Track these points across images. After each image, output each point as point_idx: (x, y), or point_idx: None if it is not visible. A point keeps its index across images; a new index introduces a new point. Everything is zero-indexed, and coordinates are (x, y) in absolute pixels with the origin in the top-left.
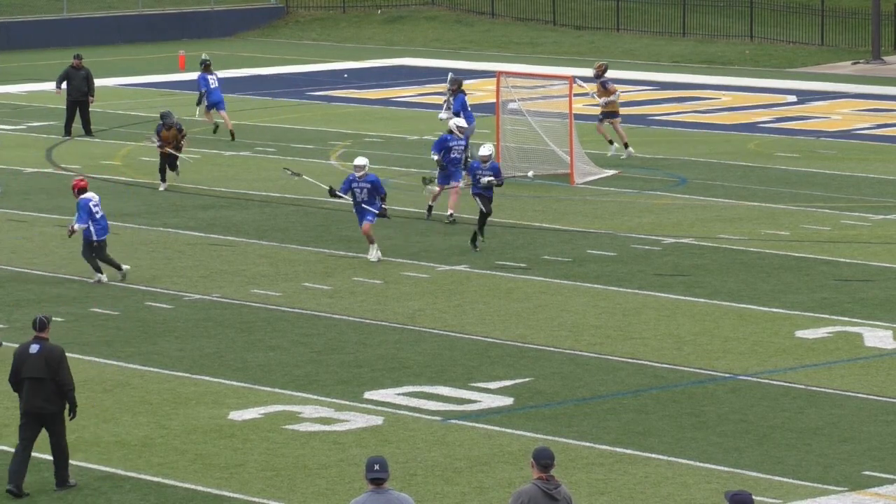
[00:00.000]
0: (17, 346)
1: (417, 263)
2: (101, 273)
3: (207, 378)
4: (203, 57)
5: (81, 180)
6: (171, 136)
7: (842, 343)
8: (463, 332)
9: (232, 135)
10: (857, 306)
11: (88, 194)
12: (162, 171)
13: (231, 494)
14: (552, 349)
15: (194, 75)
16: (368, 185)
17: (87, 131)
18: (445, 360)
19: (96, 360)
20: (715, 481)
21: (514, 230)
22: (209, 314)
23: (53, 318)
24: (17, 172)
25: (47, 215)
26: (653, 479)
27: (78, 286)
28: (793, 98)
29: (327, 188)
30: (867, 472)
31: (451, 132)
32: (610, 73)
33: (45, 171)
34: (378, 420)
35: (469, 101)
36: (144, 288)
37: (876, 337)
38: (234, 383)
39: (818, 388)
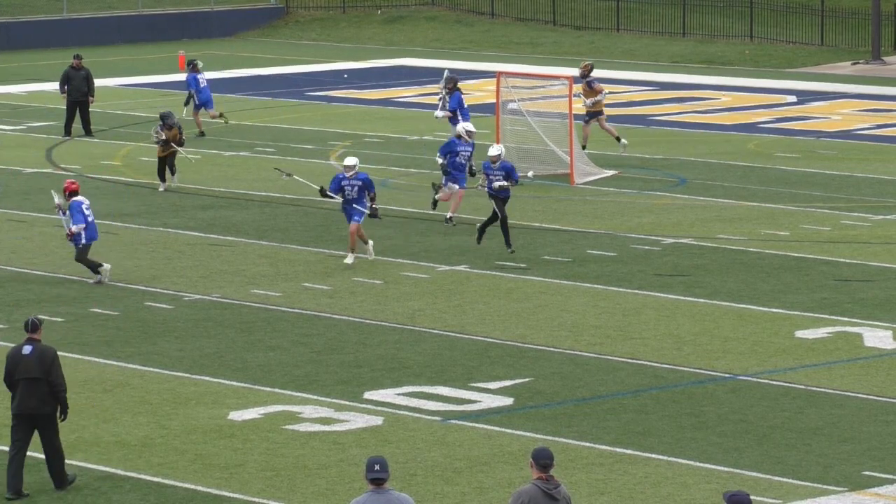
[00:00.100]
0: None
1: (417, 263)
2: (101, 272)
3: (207, 378)
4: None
5: (73, 183)
6: (171, 136)
7: (841, 343)
8: (463, 332)
9: (223, 117)
10: (857, 306)
11: (80, 197)
12: (161, 173)
13: (231, 494)
14: (552, 349)
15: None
16: (359, 183)
17: (87, 131)
18: (445, 361)
19: (96, 360)
20: (715, 481)
21: (514, 230)
22: (209, 314)
23: (53, 319)
24: (16, 172)
25: (47, 215)
26: (653, 479)
27: (78, 286)
28: (793, 98)
29: (318, 188)
30: (867, 473)
31: (459, 137)
32: (610, 74)
33: (45, 171)
34: (378, 420)
35: (470, 101)
36: (144, 288)
37: (876, 337)
38: (234, 383)
39: (818, 389)
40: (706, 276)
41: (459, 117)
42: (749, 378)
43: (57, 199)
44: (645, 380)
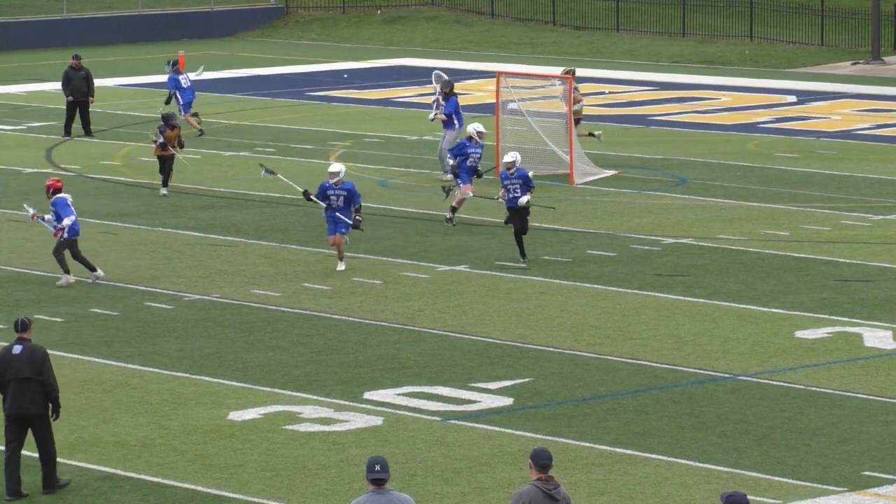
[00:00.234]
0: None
1: (417, 263)
2: (97, 270)
3: (207, 378)
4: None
5: (57, 181)
6: (174, 136)
7: (841, 343)
8: (462, 332)
9: (197, 117)
10: (857, 307)
11: (63, 195)
12: (162, 174)
13: (231, 495)
14: (552, 349)
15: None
16: (345, 193)
17: (87, 131)
18: (445, 361)
19: (96, 360)
20: (714, 482)
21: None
22: (209, 314)
23: (53, 319)
24: (16, 173)
25: (46, 216)
26: (652, 479)
27: (78, 286)
28: (792, 98)
29: (302, 191)
30: (867, 473)
31: (470, 138)
32: (610, 74)
33: (45, 171)
34: (378, 420)
35: (470, 101)
36: (144, 288)
37: (876, 337)
38: (234, 384)
39: (818, 389)
40: (706, 276)
41: (455, 122)
42: (749, 378)
43: (31, 211)
44: (645, 380)
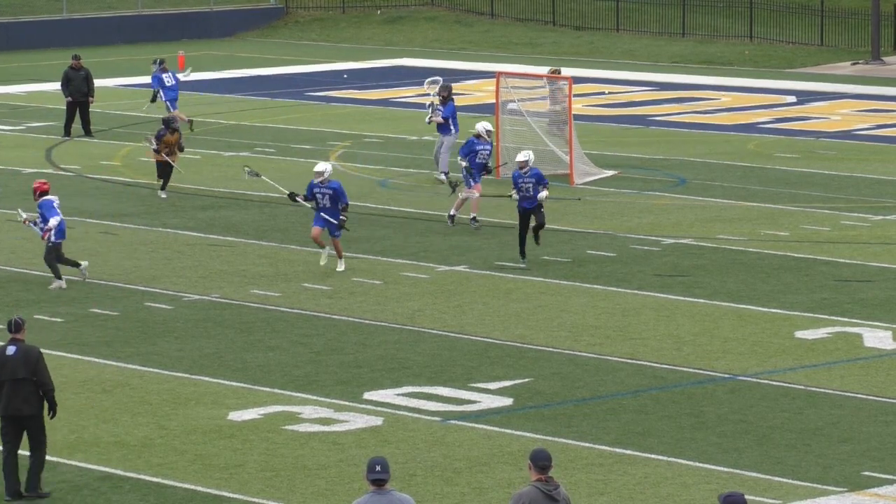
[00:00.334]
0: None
1: (417, 264)
2: (81, 264)
3: (207, 378)
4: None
5: (44, 183)
6: (173, 140)
7: (841, 343)
8: (462, 332)
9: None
10: (857, 307)
11: (50, 196)
12: (161, 177)
13: (230, 495)
14: (551, 350)
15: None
16: (330, 192)
17: (87, 132)
18: (445, 361)
19: (96, 360)
20: (714, 482)
21: (514, 230)
22: (208, 314)
23: (53, 319)
24: (16, 173)
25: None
26: (652, 479)
27: (78, 286)
28: (792, 98)
29: (287, 193)
30: (867, 473)
31: (478, 136)
32: (610, 74)
33: (45, 171)
34: (377, 420)
35: (470, 101)
36: (144, 288)
37: (875, 337)
38: (234, 384)
39: (818, 389)
40: (706, 276)
41: (452, 127)
42: (749, 378)
43: (24, 215)
44: (645, 380)
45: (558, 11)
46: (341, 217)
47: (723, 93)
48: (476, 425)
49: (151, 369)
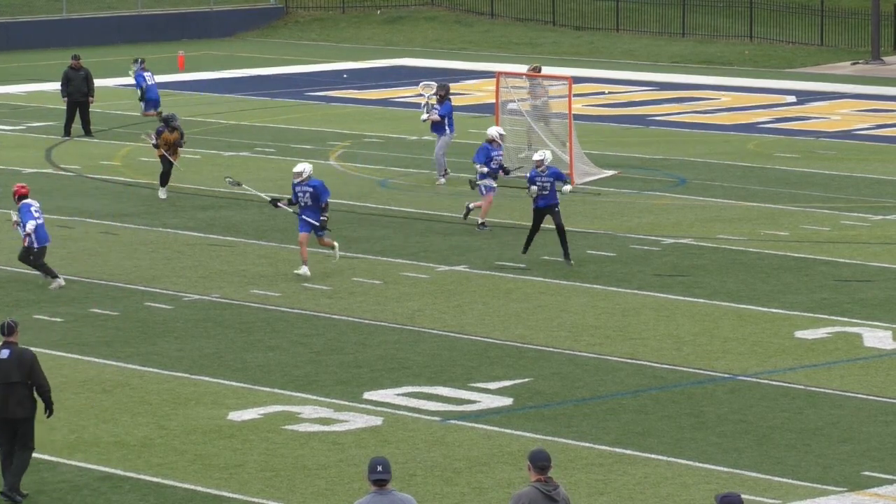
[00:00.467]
0: None
1: (417, 263)
2: (58, 277)
3: (207, 378)
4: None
5: (23, 187)
6: (172, 139)
7: (841, 343)
8: (462, 332)
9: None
10: (857, 307)
11: (28, 200)
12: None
13: (230, 495)
14: (551, 349)
15: (194, 76)
16: (310, 190)
17: (87, 132)
18: (445, 361)
19: (96, 360)
20: (714, 482)
21: (514, 230)
22: (208, 314)
23: (53, 319)
24: (16, 173)
25: (47, 215)
26: (652, 479)
27: (78, 286)
28: (792, 98)
29: (269, 199)
30: (866, 473)
31: (490, 141)
32: (610, 74)
33: (45, 171)
34: (377, 420)
35: (470, 101)
36: (144, 288)
37: (875, 337)
38: (234, 384)
39: (817, 389)
40: (706, 276)
41: (447, 127)
42: (748, 378)
43: (14, 217)
44: (644, 380)
45: (558, 11)
46: (322, 218)
47: (723, 93)
48: (476, 425)
49: (151, 369)
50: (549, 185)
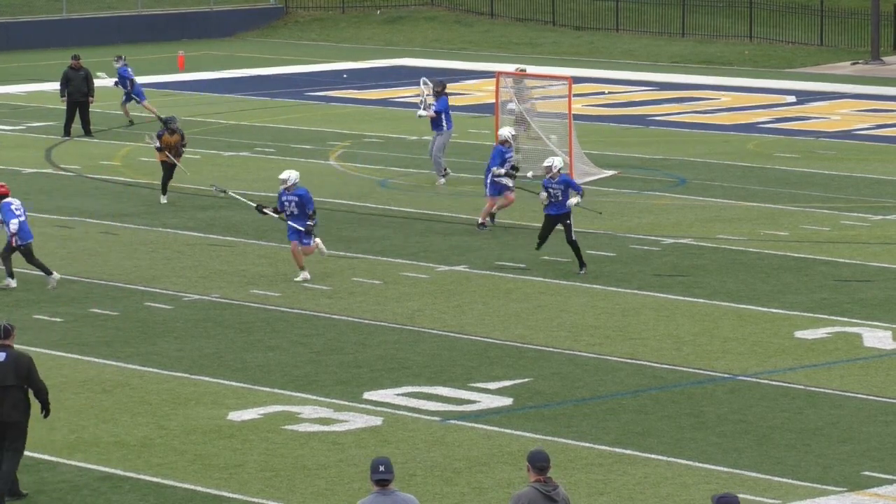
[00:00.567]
0: None
1: (417, 264)
2: (13, 279)
3: (207, 378)
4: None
5: (2, 186)
6: (173, 141)
7: (841, 343)
8: (462, 332)
9: (159, 118)
10: (857, 307)
11: (9, 199)
12: (164, 183)
13: (230, 495)
14: (551, 349)
15: (194, 76)
16: (296, 199)
17: (87, 132)
18: (445, 361)
19: (95, 360)
20: (714, 482)
21: (514, 230)
22: (208, 314)
23: (53, 319)
24: (16, 173)
25: (47, 216)
26: (652, 479)
27: (78, 286)
28: (792, 98)
29: (254, 206)
30: (866, 473)
31: (503, 143)
32: (610, 74)
33: (45, 171)
34: (377, 420)
35: (470, 101)
36: (144, 288)
37: (875, 337)
38: (234, 384)
39: (817, 389)
40: (706, 276)
41: (444, 123)
42: (748, 378)
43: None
44: (644, 380)
45: (558, 11)
46: (308, 223)
47: (723, 93)
48: (476, 425)
49: (151, 369)
50: (560, 192)
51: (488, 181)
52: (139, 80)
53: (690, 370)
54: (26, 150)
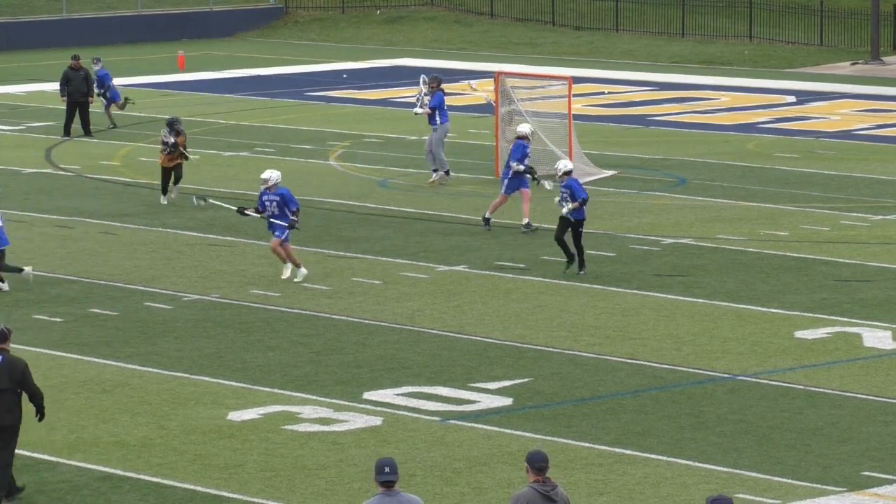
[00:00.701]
0: None
1: (417, 263)
2: (3, 282)
3: (206, 378)
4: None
5: None
6: (180, 142)
7: (841, 343)
8: (462, 332)
9: (127, 101)
10: (856, 307)
11: None
12: (164, 184)
13: (230, 495)
14: (551, 349)
15: (194, 76)
16: (277, 199)
17: (87, 132)
18: (444, 361)
19: (95, 360)
20: (714, 482)
21: (514, 230)
22: (208, 314)
23: (53, 319)
24: (16, 173)
25: (47, 215)
26: (652, 479)
27: (77, 286)
28: (792, 98)
29: (235, 209)
30: (866, 473)
31: (523, 137)
32: (610, 74)
33: (45, 171)
34: (377, 420)
35: (469, 101)
36: (143, 288)
37: (875, 337)
38: (233, 384)
39: (817, 389)
40: (705, 276)
41: (438, 117)
42: (748, 378)
43: None
44: (644, 380)
45: (558, 11)
46: (292, 218)
47: (722, 93)
48: (476, 425)
49: (151, 369)
50: (567, 196)
51: (506, 178)
52: (139, 80)
53: (690, 370)
54: (26, 150)
